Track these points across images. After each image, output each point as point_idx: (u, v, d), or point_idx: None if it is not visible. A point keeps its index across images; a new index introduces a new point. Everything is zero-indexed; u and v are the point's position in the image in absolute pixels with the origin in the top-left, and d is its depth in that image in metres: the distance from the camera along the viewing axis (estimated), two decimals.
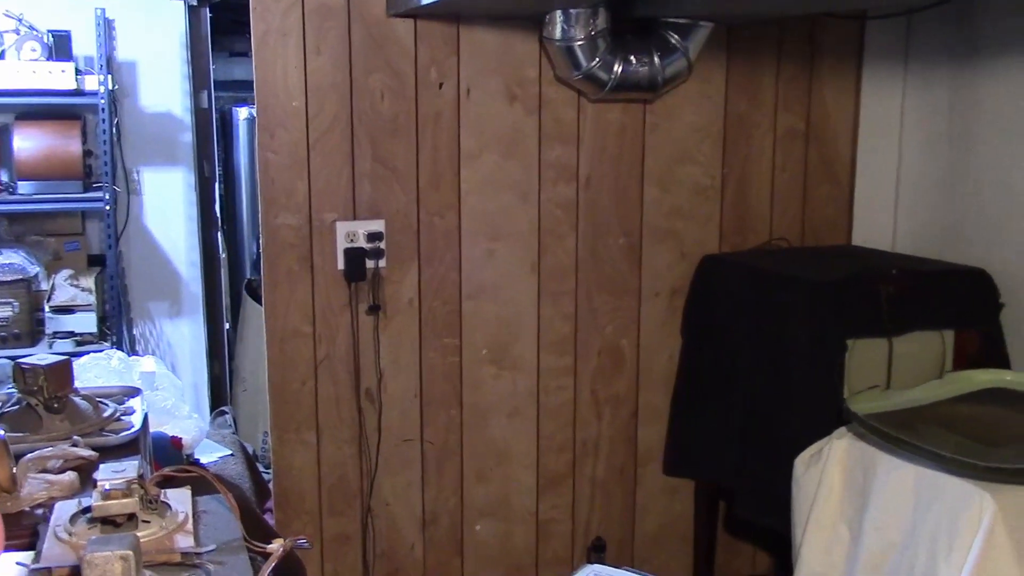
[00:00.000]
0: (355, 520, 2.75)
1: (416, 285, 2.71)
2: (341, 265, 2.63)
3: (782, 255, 2.91)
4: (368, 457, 2.73)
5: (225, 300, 4.52)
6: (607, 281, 2.89)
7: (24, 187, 3.79)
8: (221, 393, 4.50)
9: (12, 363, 1.70)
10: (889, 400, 2.41)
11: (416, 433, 2.78)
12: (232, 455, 2.30)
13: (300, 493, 2.70)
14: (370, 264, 2.64)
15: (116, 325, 4.02)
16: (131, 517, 1.19)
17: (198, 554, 1.17)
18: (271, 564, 1.13)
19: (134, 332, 4.23)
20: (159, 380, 2.39)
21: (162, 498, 1.26)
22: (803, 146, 3.03)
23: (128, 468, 1.22)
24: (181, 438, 2.07)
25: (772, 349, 2.59)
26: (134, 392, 1.86)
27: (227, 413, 4.32)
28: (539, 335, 2.85)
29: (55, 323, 3.74)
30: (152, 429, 2.09)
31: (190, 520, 1.24)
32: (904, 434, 2.21)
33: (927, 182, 2.92)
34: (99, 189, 3.89)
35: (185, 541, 1.19)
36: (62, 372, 1.66)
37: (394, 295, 2.70)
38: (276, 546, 1.15)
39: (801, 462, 2.45)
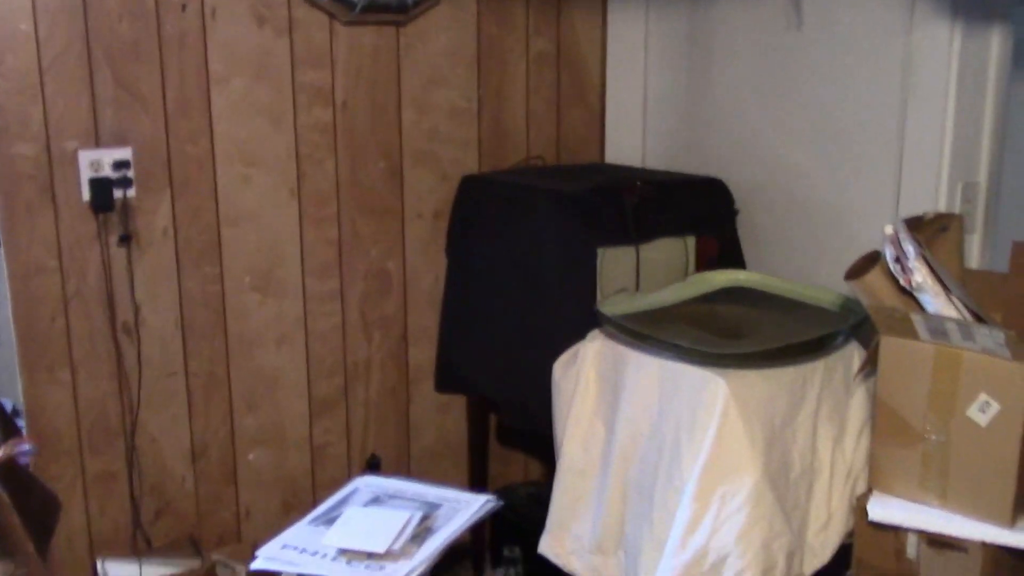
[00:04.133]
0: (119, 457, 2.68)
1: (170, 214, 2.64)
2: (86, 196, 2.52)
3: (538, 172, 3.02)
4: (129, 393, 2.66)
5: None
6: (370, 205, 2.91)
7: None
8: None
9: None
10: (637, 302, 2.57)
11: (180, 366, 2.73)
12: None
13: (56, 433, 2.60)
14: (118, 194, 2.55)
15: None
16: None
17: None
18: None
19: None
20: None
21: None
22: (555, 69, 3.14)
23: None
24: None
25: (528, 262, 2.69)
26: None
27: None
28: (303, 260, 2.84)
29: None
30: None
31: None
32: (649, 331, 2.36)
33: (671, 103, 3.09)
34: None
35: None
36: None
37: (147, 225, 2.62)
38: (1, 453, 1.12)
39: (559, 365, 2.57)
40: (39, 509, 2.02)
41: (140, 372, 2.66)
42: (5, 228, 2.48)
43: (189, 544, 2.72)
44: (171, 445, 2.75)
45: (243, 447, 2.85)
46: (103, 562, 2.62)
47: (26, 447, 1.15)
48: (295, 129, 2.76)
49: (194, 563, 2.61)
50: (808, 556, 2.30)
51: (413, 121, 2.93)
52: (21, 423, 2.80)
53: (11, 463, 1.94)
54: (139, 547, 2.70)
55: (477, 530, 3.17)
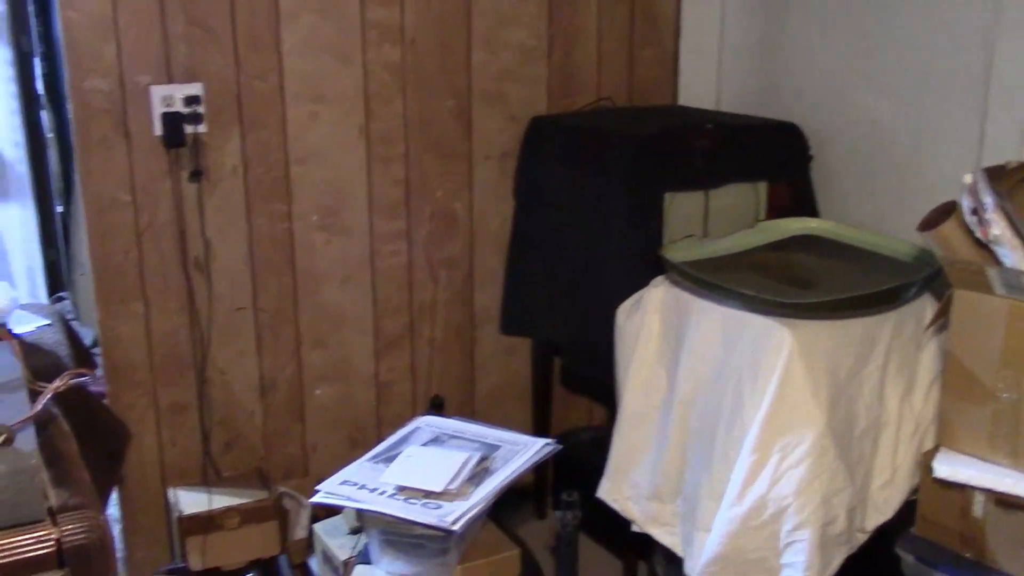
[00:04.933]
0: (190, 389, 2.74)
1: (240, 150, 2.67)
2: (158, 131, 2.56)
3: (607, 114, 2.97)
4: (200, 327, 2.71)
5: (55, 183, 4.33)
6: (437, 145, 2.90)
7: None
8: (58, 279, 4.36)
9: None
10: (704, 249, 2.52)
11: (248, 301, 2.77)
12: (50, 325, 2.25)
13: (130, 364, 2.67)
14: (189, 129, 2.58)
15: None
16: None
17: None
18: (47, 395, 1.13)
19: None
20: None
21: None
22: (628, 8, 3.07)
23: None
24: None
25: (594, 205, 2.66)
26: None
27: (65, 299, 4.20)
28: (370, 200, 2.85)
29: None
30: None
31: None
32: (714, 278, 2.32)
33: (747, 44, 3.00)
34: None
35: None
36: None
37: (217, 161, 2.64)
38: (57, 382, 1.15)
39: (622, 311, 2.55)
40: (108, 437, 2.08)
41: (210, 306, 2.71)
42: (81, 161, 2.53)
43: (257, 476, 2.79)
44: (240, 379, 2.80)
45: (310, 383, 2.89)
46: (174, 491, 2.69)
47: (85, 377, 1.17)
48: (364, 67, 2.75)
49: (261, 494, 2.67)
50: (871, 511, 2.27)
51: (482, 60, 2.89)
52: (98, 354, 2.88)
53: (80, 392, 1.99)
54: (208, 477, 2.77)
55: (540, 473, 3.19)
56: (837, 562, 2.16)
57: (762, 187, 2.72)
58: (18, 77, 4.09)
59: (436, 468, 2.13)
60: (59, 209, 4.38)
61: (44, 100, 4.29)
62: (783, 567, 2.15)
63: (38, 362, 2.00)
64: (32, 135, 4.18)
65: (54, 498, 1.08)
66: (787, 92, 2.88)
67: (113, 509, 2.82)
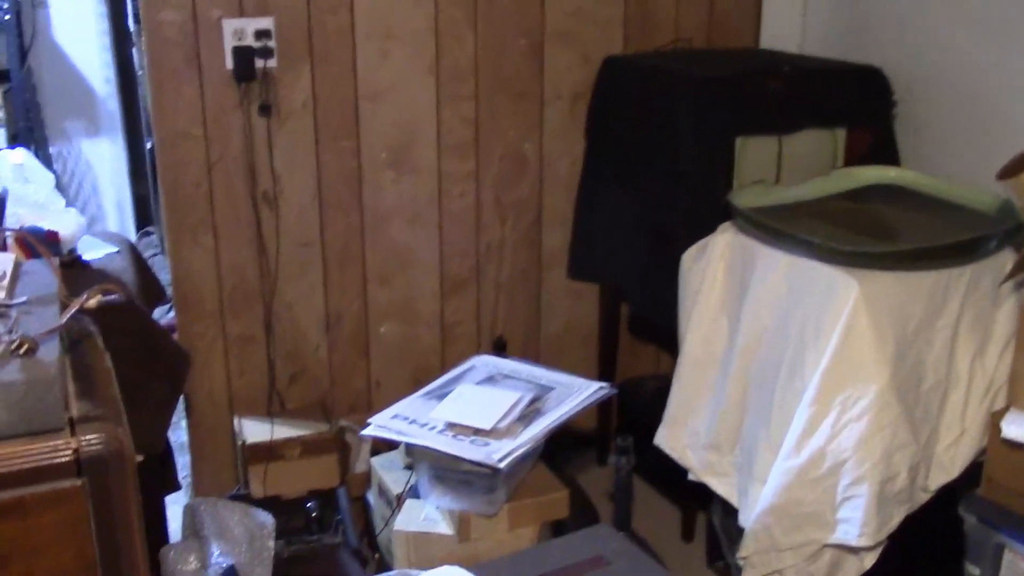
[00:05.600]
0: (258, 322, 2.79)
1: (310, 86, 2.67)
2: (229, 65, 2.58)
3: (683, 56, 2.89)
4: (268, 260, 2.75)
5: (145, 118, 4.43)
6: (508, 85, 2.86)
7: None
8: (147, 213, 4.48)
9: None
10: (774, 195, 2.45)
11: (316, 237, 2.79)
12: (118, 252, 2.31)
13: (200, 296, 2.72)
14: (259, 64, 2.59)
15: (29, 143, 3.95)
16: None
17: (8, 306, 1.19)
18: (72, 309, 1.15)
19: (49, 151, 4.17)
20: (30, 173, 2.36)
21: None
22: None
23: None
24: (57, 232, 2.07)
25: (665, 149, 2.59)
26: None
27: (152, 233, 4.31)
28: (439, 139, 2.84)
29: None
30: (27, 224, 2.08)
31: (7, 278, 1.26)
32: (781, 225, 2.25)
33: None
34: None
35: None
36: None
37: (287, 96, 2.66)
38: (84, 296, 1.17)
39: (688, 257, 2.50)
40: (167, 362, 2.13)
41: (278, 241, 2.74)
42: (154, 94, 2.57)
43: (320, 409, 2.83)
44: (307, 313, 2.84)
45: (375, 320, 2.91)
46: (240, 420, 2.75)
47: (114, 295, 1.19)
48: (435, 3, 2.72)
49: (323, 427, 2.71)
50: (935, 470, 2.19)
51: None
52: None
53: (139, 317, 2.04)
54: (273, 408, 2.82)
55: (603, 420, 3.17)
56: (896, 520, 2.10)
57: (840, 133, 2.62)
58: (110, 14, 4.17)
59: (487, 406, 2.13)
60: (148, 144, 4.48)
61: (135, 36, 4.37)
62: (839, 522, 2.10)
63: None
64: (123, 71, 4.27)
65: (76, 409, 1.10)
66: (874, 35, 2.75)
67: (183, 435, 2.91)
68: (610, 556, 1.59)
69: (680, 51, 2.94)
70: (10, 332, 1.11)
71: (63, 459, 1.06)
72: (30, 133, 4.01)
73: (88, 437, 1.07)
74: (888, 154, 2.65)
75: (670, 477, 2.63)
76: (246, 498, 2.59)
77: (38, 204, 2.21)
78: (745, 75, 2.53)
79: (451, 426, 2.09)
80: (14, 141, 3.86)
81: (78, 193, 4.39)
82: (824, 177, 2.52)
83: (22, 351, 1.07)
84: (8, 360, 1.07)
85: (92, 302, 1.19)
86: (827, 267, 2.12)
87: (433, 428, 2.09)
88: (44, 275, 1.31)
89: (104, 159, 4.34)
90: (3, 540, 1.04)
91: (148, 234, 4.31)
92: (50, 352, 1.09)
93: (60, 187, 4.15)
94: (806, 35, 2.99)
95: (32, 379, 1.04)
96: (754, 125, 2.50)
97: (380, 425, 2.13)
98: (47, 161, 4.14)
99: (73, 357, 1.22)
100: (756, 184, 2.44)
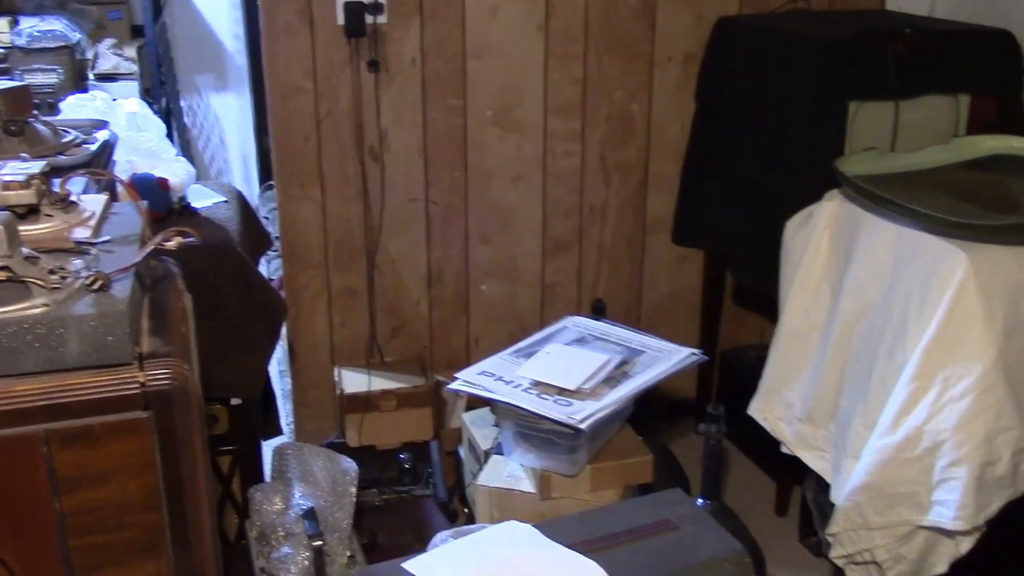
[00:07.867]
0: (361, 275, 2.85)
1: (418, 43, 2.69)
2: (340, 20, 2.61)
3: (801, 17, 2.79)
4: (373, 215, 2.80)
5: None
6: (618, 44, 2.82)
7: None
8: (270, 166, 4.59)
9: None
10: (885, 163, 2.35)
11: (420, 193, 2.82)
12: (226, 202, 2.38)
13: (306, 247, 2.79)
14: (370, 19, 2.62)
15: (160, 97, 4.10)
16: (34, 211, 1.26)
17: (92, 243, 1.24)
18: (148, 248, 1.20)
19: (180, 104, 4.32)
20: (143, 122, 2.45)
21: (72, 198, 1.33)
22: None
23: (34, 166, 1.28)
24: (168, 179, 2.14)
25: (776, 113, 2.52)
26: (102, 125, 1.92)
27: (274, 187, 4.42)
28: (546, 98, 2.82)
29: (99, 91, 3.83)
30: (139, 171, 2.16)
31: (95, 218, 1.31)
32: (889, 194, 2.16)
33: None
34: None
35: (82, 233, 1.26)
36: (20, 96, 1.72)
37: (396, 52, 2.68)
38: (159, 237, 1.21)
39: (792, 225, 2.43)
40: (265, 309, 2.20)
41: (383, 195, 2.78)
42: (267, 47, 2.63)
43: (418, 363, 2.88)
44: (409, 269, 2.88)
45: (476, 278, 2.93)
46: (340, 370, 2.82)
47: (191, 238, 1.23)
48: None
49: (419, 381, 2.76)
50: None
51: None
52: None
53: (240, 265, 2.10)
54: (373, 361, 2.88)
55: (702, 388, 3.13)
56: (996, 506, 2.00)
57: (964, 100, 2.49)
58: None
59: (573, 367, 2.12)
60: None
61: None
62: (934, 504, 2.02)
63: (206, 234, 2.12)
64: (251, 27, 4.37)
65: (146, 345, 1.15)
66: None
67: (288, 383, 3.00)
68: (678, 520, 1.57)
69: (799, 12, 2.84)
70: (88, 268, 1.15)
71: (130, 391, 1.10)
72: (162, 86, 4.16)
73: (155, 372, 1.11)
74: (1016, 123, 2.51)
75: (767, 449, 2.58)
76: (342, 446, 2.65)
77: (150, 152, 2.29)
78: (863, 37, 2.42)
79: (536, 384, 2.09)
80: (147, 94, 4.01)
81: (207, 146, 4.54)
82: (942, 146, 2.40)
83: (96, 287, 1.11)
84: (83, 294, 1.12)
85: (172, 244, 1.23)
86: (935, 238, 2.03)
87: (518, 386, 2.10)
88: (132, 217, 1.36)
89: (231, 113, 4.47)
90: (72, 465, 1.09)
91: (271, 187, 4.43)
92: (123, 289, 1.13)
93: (188, 140, 4.31)
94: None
95: (102, 313, 1.09)
96: (870, 89, 2.40)
97: (466, 380, 2.15)
98: (178, 114, 4.30)
99: (152, 296, 1.27)
100: (867, 151, 2.34)
